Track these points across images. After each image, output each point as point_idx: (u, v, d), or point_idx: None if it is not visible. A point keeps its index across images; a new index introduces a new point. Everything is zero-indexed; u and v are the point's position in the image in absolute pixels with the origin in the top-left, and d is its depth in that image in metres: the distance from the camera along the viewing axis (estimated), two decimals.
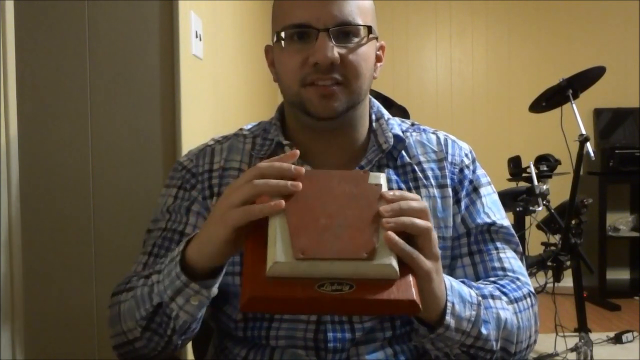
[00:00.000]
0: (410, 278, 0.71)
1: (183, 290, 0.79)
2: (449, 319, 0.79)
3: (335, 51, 0.88)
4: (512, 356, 0.89)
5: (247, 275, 0.71)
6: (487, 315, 0.84)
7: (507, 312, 0.87)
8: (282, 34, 0.91)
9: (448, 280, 0.82)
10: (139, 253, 1.01)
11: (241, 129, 1.07)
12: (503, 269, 0.96)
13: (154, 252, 0.99)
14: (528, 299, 0.93)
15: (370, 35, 0.92)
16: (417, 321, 0.83)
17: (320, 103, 0.91)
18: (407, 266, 0.72)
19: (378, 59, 0.99)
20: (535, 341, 0.94)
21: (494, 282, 0.93)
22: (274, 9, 0.96)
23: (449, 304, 0.79)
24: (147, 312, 0.84)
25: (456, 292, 0.82)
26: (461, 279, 0.89)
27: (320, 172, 0.78)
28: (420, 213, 0.74)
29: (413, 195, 0.77)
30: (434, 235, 0.75)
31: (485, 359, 0.85)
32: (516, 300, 0.91)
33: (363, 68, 0.92)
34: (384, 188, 0.76)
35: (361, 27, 0.90)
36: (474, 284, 0.90)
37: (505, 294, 0.90)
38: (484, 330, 0.83)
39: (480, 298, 0.85)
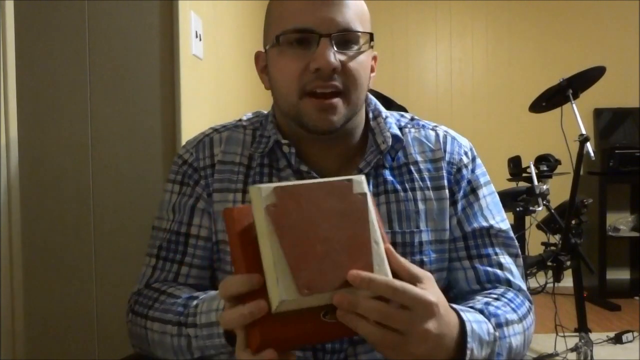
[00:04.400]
0: None
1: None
2: None
3: (337, 57, 0.87)
4: None
5: None
6: (500, 348, 0.82)
7: (517, 337, 0.86)
8: (281, 39, 0.89)
9: (469, 323, 0.77)
10: (146, 253, 1.01)
11: (240, 120, 1.06)
12: (504, 274, 0.95)
13: (162, 255, 0.98)
14: (531, 314, 0.93)
15: (371, 43, 0.91)
16: None
17: (320, 116, 0.89)
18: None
19: (371, 69, 0.97)
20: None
21: (502, 296, 0.91)
22: (270, 13, 0.94)
23: (468, 352, 0.75)
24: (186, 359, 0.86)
25: (476, 335, 0.77)
26: (476, 307, 0.86)
27: (303, 186, 0.72)
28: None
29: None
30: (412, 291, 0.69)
31: None
32: (523, 317, 0.90)
33: (362, 77, 0.90)
34: (368, 195, 0.73)
35: (362, 35, 0.89)
36: (492, 309, 0.86)
37: (514, 310, 0.89)
38: None
39: (497, 333, 0.82)
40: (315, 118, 0.89)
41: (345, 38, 0.88)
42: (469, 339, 0.75)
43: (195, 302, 0.85)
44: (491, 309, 0.87)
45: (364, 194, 0.73)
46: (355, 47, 0.89)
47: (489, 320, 0.83)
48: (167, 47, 1.47)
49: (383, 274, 0.69)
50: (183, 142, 1.47)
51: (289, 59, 0.89)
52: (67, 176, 1.40)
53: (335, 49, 0.87)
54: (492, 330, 0.82)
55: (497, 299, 0.90)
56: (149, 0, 1.43)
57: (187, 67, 1.54)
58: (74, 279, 1.40)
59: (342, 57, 0.87)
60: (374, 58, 0.97)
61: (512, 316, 0.88)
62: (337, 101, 0.88)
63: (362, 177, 0.74)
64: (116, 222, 1.43)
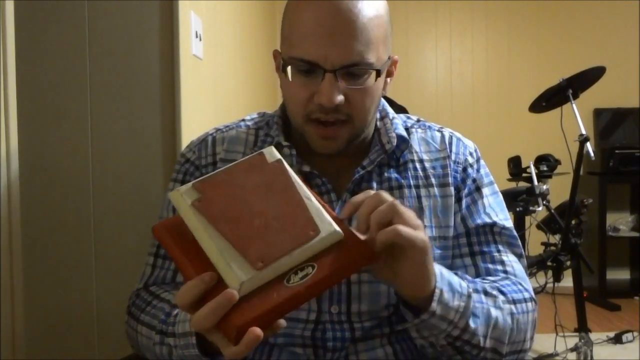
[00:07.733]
0: (350, 229, 0.74)
1: None
2: (435, 305, 0.77)
3: (340, 94, 0.86)
4: (502, 357, 0.86)
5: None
6: (476, 309, 0.82)
7: (499, 311, 0.85)
8: (289, 62, 0.88)
9: (438, 267, 0.79)
10: (147, 253, 1.01)
11: (244, 119, 1.06)
12: (505, 272, 0.94)
13: (161, 253, 0.99)
14: (529, 304, 0.91)
15: (381, 69, 0.88)
16: (403, 306, 0.81)
17: (321, 143, 0.91)
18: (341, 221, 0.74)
19: (389, 74, 0.96)
20: (529, 347, 0.91)
21: (494, 282, 0.91)
22: (285, 18, 0.91)
23: (437, 290, 0.77)
24: None
25: (445, 280, 0.79)
26: (454, 271, 0.87)
27: (221, 173, 0.74)
28: (375, 202, 0.73)
29: (355, 198, 0.75)
30: (401, 207, 0.72)
31: (471, 354, 0.83)
32: (515, 301, 0.88)
33: (368, 104, 0.90)
34: (283, 160, 0.76)
35: (369, 67, 0.86)
36: (468, 277, 0.88)
37: (503, 293, 0.88)
38: (472, 324, 0.81)
39: (471, 290, 0.82)
40: (318, 144, 0.92)
41: (352, 72, 0.86)
42: (437, 279, 0.77)
43: (176, 310, 0.84)
44: (468, 277, 0.88)
45: (279, 160, 0.76)
46: (364, 77, 0.87)
47: (462, 280, 0.84)
48: (167, 47, 1.47)
49: (326, 223, 0.72)
50: (183, 142, 1.47)
51: (296, 85, 0.89)
52: (67, 177, 1.40)
53: (342, 81, 0.86)
54: (465, 285, 0.82)
55: (484, 281, 0.90)
56: (149, 0, 1.44)
57: (187, 67, 1.54)
58: (74, 279, 1.41)
59: (348, 90, 0.87)
60: (394, 63, 0.96)
61: (496, 293, 0.87)
62: (340, 128, 0.89)
63: (271, 147, 0.78)
64: (116, 222, 1.43)
